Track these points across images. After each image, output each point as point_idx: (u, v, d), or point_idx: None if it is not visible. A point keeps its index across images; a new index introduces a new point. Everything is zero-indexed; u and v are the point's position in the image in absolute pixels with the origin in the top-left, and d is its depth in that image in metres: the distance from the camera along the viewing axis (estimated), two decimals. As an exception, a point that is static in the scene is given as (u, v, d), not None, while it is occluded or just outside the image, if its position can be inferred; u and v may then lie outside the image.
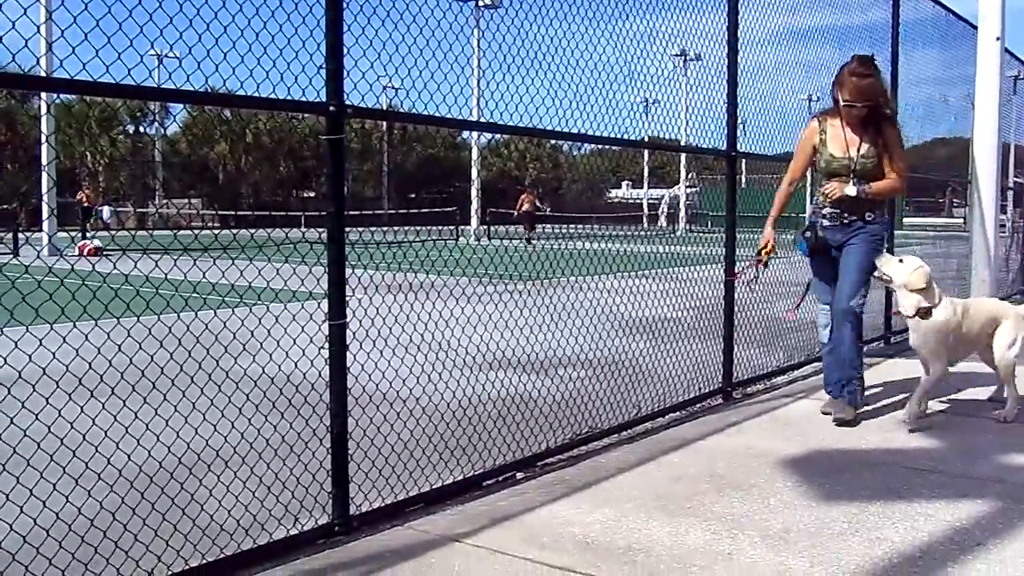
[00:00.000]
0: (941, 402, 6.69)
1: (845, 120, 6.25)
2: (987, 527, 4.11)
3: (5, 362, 3.45)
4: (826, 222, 6.32)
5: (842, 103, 6.14)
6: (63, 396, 3.75)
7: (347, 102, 4.07)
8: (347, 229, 4.16)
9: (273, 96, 3.97)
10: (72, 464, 3.80)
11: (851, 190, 6.13)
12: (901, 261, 5.92)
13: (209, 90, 4.03)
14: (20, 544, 3.53)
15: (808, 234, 6.40)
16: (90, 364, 4.08)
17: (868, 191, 6.16)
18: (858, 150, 6.22)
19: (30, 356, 3.57)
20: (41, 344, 3.75)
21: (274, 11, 3.93)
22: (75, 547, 3.53)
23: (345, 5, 4.01)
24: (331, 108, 3.98)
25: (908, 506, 4.38)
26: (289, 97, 4.05)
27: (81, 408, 3.77)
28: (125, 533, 3.65)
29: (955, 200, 49.54)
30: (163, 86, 3.88)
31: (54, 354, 3.81)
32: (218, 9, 3.74)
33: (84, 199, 38.48)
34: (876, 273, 5.95)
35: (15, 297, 3.63)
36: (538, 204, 36.88)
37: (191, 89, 3.76)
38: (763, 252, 6.46)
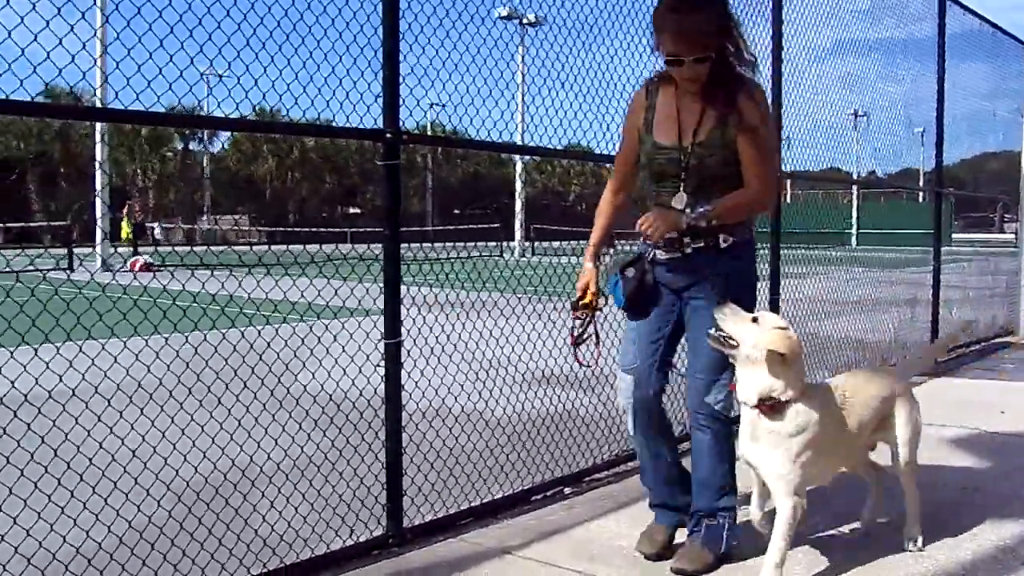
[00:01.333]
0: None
1: (677, 88, 3.92)
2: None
3: (58, 377, 3.63)
4: (660, 254, 3.90)
5: (664, 58, 3.81)
6: (131, 410, 3.95)
7: (402, 128, 4.24)
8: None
9: (333, 124, 4.16)
10: (139, 476, 4.01)
11: (678, 216, 3.79)
12: (756, 320, 3.59)
13: (259, 111, 4.22)
14: (95, 551, 3.72)
15: (630, 272, 3.93)
16: (161, 379, 4.27)
17: (708, 216, 3.75)
18: (693, 137, 3.84)
19: (82, 372, 3.75)
20: (115, 360, 3.94)
21: (333, 43, 4.13)
22: (145, 554, 3.73)
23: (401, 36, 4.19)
24: (388, 135, 4.15)
25: (954, 525, 4.43)
26: (346, 123, 4.25)
27: (152, 421, 3.96)
28: (191, 542, 3.83)
29: (1006, 215, 48.89)
30: (230, 116, 4.03)
31: (126, 370, 3.99)
32: (270, 34, 3.93)
33: (136, 215, 38.94)
34: (712, 332, 3.61)
35: (73, 315, 3.82)
36: None
37: (253, 118, 3.96)
38: (581, 303, 4.11)
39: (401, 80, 4.20)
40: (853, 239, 45.77)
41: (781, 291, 6.99)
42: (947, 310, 10.12)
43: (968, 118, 11.25)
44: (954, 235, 30.54)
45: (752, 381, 3.54)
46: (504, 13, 11.80)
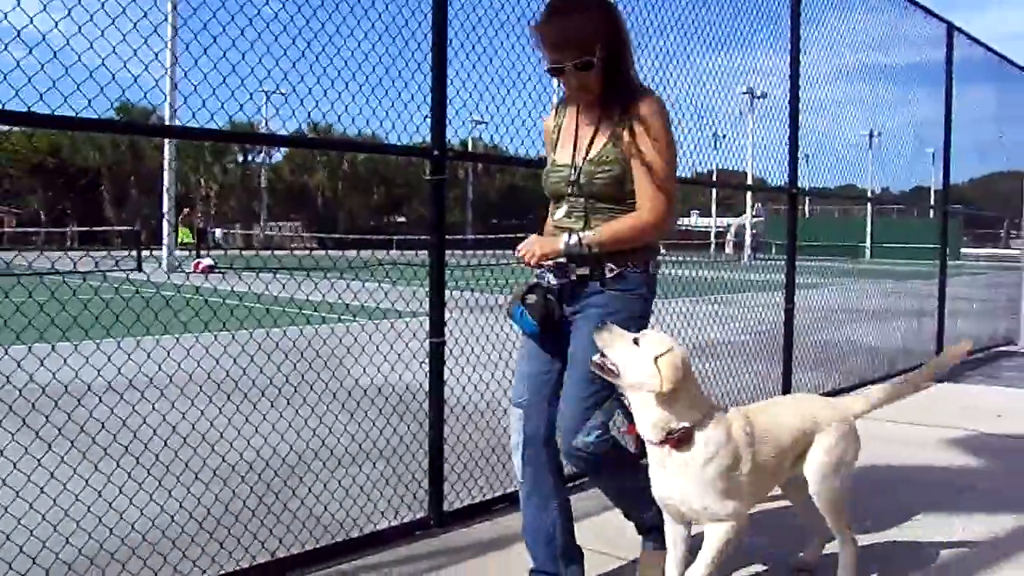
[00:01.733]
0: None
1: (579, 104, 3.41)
2: None
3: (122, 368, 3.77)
4: (551, 278, 3.33)
5: (546, 69, 3.30)
6: (190, 399, 4.11)
7: (448, 146, 4.35)
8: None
9: (385, 141, 4.27)
10: (208, 458, 4.15)
11: (556, 242, 3.26)
12: (637, 342, 2.98)
13: (314, 127, 4.30)
14: (168, 523, 3.86)
15: (530, 298, 3.32)
16: (228, 371, 4.40)
17: (586, 241, 3.20)
18: (585, 154, 3.32)
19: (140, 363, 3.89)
20: (188, 352, 4.08)
21: (388, 68, 4.24)
22: (212, 528, 3.87)
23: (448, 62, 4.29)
24: (435, 153, 4.25)
25: (950, 519, 4.47)
26: (396, 140, 4.36)
27: (220, 409, 4.09)
28: (252, 519, 3.95)
29: (1012, 232, 48.34)
30: (289, 133, 4.15)
31: (188, 361, 4.13)
32: (320, 53, 4.05)
33: (196, 220, 39.25)
34: (595, 358, 3.01)
35: (144, 310, 3.96)
36: None
37: (310, 135, 4.06)
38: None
39: (448, 102, 4.31)
40: (867, 252, 45.45)
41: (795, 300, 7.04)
42: (952, 321, 10.10)
43: (976, 140, 11.23)
44: (963, 250, 30.24)
45: (646, 414, 2.97)
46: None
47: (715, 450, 2.96)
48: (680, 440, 2.94)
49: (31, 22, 3.05)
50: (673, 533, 3.18)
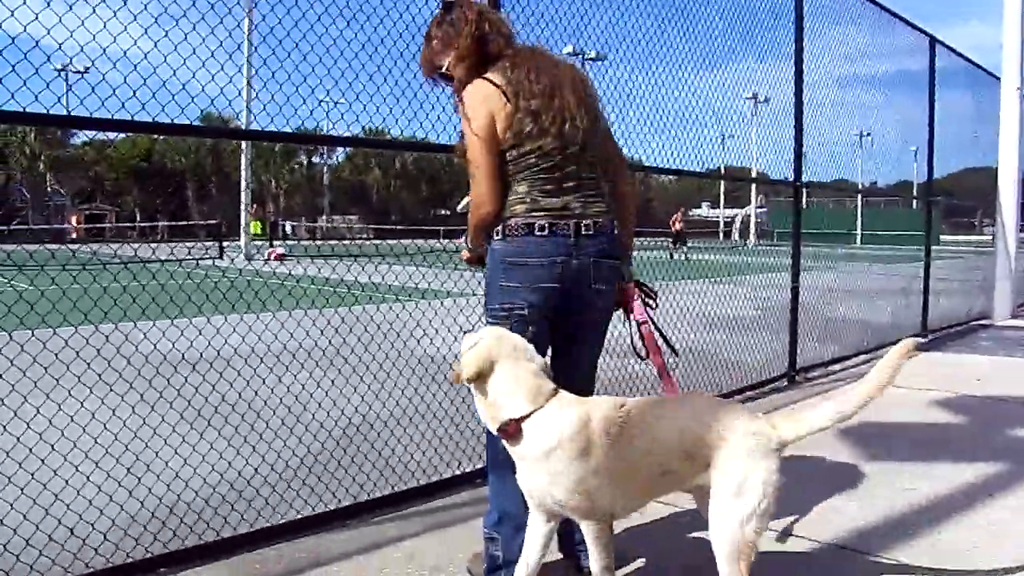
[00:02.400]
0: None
1: None
2: (998, 486, 4.21)
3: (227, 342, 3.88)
4: None
5: None
6: (293, 367, 4.21)
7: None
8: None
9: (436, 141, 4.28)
10: (301, 415, 4.28)
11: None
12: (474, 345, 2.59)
13: (367, 130, 4.31)
14: (268, 472, 4.00)
15: None
16: (320, 343, 4.52)
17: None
18: None
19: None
20: (266, 327, 4.19)
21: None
22: (305, 476, 4.00)
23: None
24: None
25: (933, 467, 4.51)
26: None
27: (311, 374, 4.20)
28: (338, 468, 4.07)
29: (984, 220, 47.59)
30: (355, 135, 4.21)
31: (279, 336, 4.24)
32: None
33: (268, 215, 39.59)
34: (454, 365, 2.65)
35: (228, 292, 4.06)
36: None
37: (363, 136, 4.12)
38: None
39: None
40: (858, 239, 45.04)
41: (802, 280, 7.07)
42: (935, 298, 10.07)
43: (955, 138, 11.18)
44: (942, 236, 29.90)
45: (478, 407, 2.60)
46: (569, 50, 11.85)
47: (555, 442, 2.42)
48: (509, 433, 2.50)
49: (135, 43, 3.16)
50: (534, 526, 2.64)
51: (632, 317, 3.04)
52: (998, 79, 11.00)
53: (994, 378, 7.01)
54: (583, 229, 2.82)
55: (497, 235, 2.85)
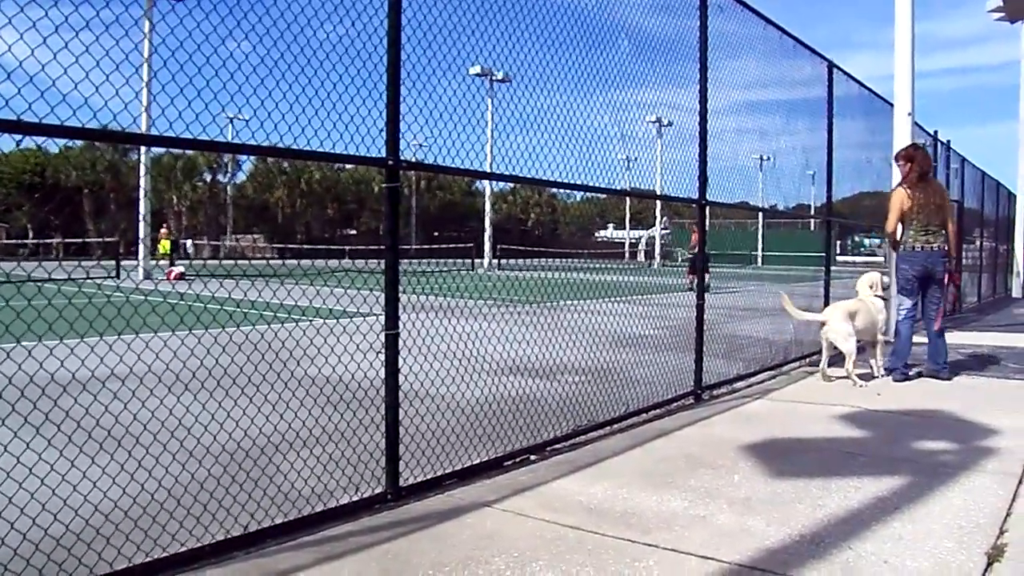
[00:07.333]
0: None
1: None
2: (904, 497, 4.22)
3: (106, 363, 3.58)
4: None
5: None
6: (177, 388, 3.91)
7: (402, 158, 4.23)
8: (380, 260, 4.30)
9: (343, 152, 4.09)
10: (184, 440, 3.97)
11: None
12: None
13: (272, 144, 4.09)
14: (149, 501, 3.68)
15: None
16: (203, 365, 4.22)
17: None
18: None
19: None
20: (164, 346, 3.89)
21: (347, 86, 4.08)
22: (189, 504, 3.70)
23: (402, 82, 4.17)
24: (390, 162, 4.13)
25: (843, 481, 4.49)
26: (352, 152, 4.19)
27: (195, 396, 3.92)
28: (226, 495, 3.79)
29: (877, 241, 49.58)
30: (262, 143, 3.97)
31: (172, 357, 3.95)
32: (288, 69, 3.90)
33: (167, 233, 38.28)
34: None
35: (117, 313, 3.78)
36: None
37: (277, 145, 3.88)
38: None
39: (401, 118, 4.19)
40: (759, 259, 46.24)
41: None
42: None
43: (851, 163, 11.49)
44: (836, 256, 30.94)
45: None
46: (477, 70, 11.77)
47: None
48: None
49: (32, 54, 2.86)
50: None
51: None
52: (891, 105, 11.36)
53: (891, 393, 7.12)
54: None
55: None
